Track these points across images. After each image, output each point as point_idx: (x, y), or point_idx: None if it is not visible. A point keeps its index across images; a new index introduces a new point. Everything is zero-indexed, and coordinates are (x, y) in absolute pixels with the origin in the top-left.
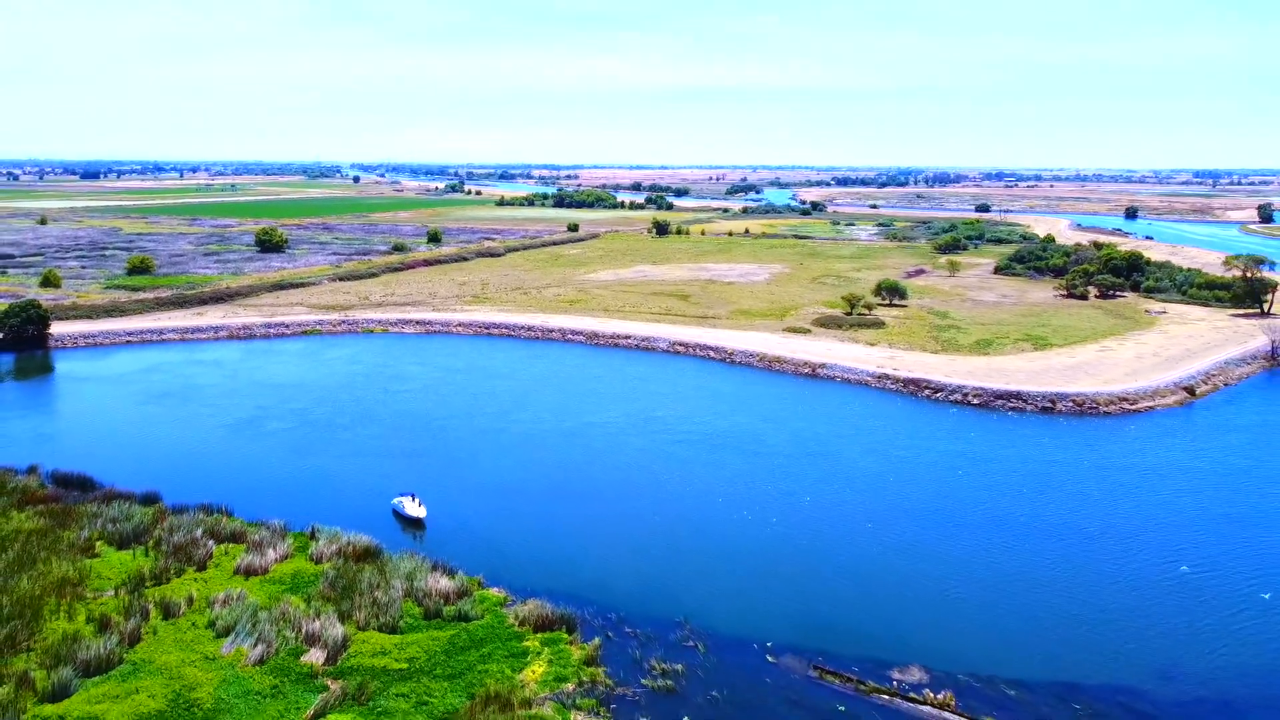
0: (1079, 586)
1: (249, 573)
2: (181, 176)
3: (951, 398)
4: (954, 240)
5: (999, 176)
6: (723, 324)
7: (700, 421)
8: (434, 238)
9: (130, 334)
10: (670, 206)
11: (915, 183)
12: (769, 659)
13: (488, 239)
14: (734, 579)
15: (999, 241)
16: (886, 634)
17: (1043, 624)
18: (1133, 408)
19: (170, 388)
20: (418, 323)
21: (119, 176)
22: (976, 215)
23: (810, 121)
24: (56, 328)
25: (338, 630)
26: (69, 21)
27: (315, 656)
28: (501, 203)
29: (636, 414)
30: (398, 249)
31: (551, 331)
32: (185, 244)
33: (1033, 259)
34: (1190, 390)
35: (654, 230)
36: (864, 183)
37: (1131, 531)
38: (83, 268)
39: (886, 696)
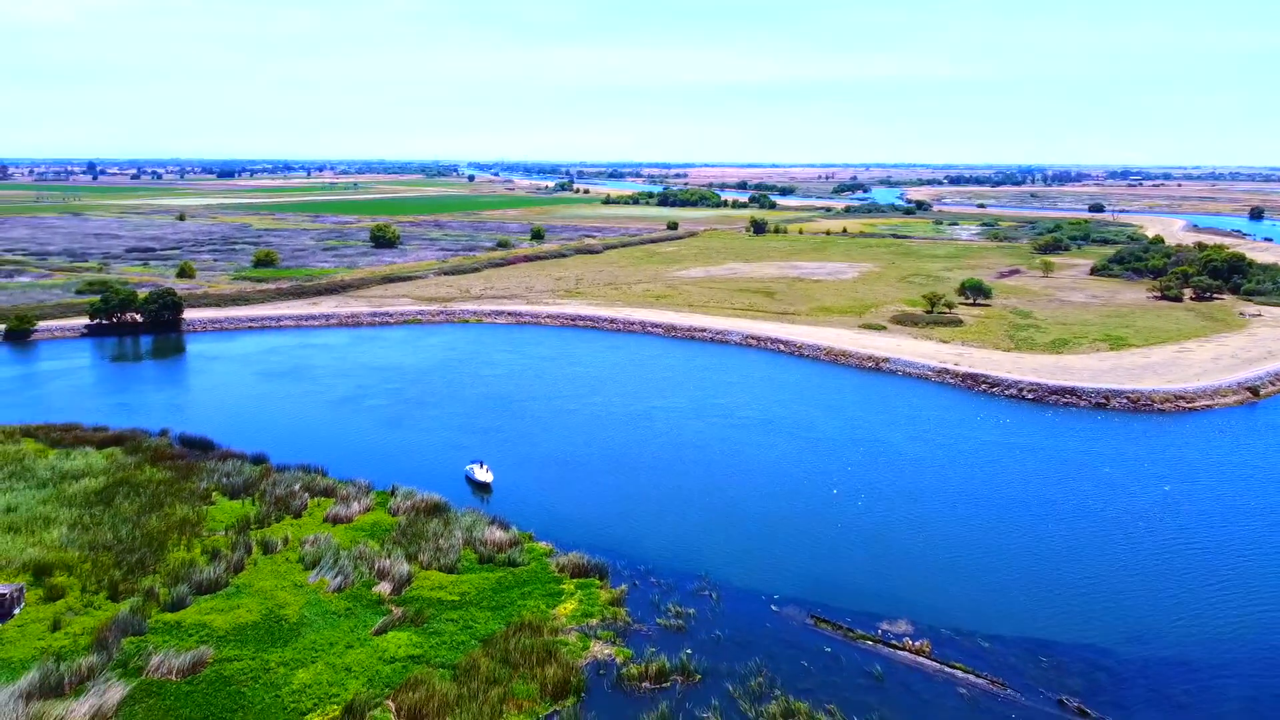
0: (1074, 561)
1: (336, 521)
2: (309, 175)
3: (1007, 392)
4: (1055, 240)
5: (1124, 175)
6: (801, 320)
7: (758, 408)
8: (537, 235)
9: (252, 320)
10: (773, 205)
11: (1034, 181)
12: (773, 608)
13: (588, 236)
14: (756, 542)
15: (1105, 242)
16: (885, 593)
17: (1032, 591)
18: (1189, 406)
19: (285, 367)
20: (510, 314)
21: (252, 175)
22: (1087, 215)
23: (929, 117)
24: (189, 314)
25: (404, 568)
26: (212, 22)
27: (384, 588)
28: (607, 201)
29: (700, 400)
30: (502, 245)
31: (633, 324)
32: (307, 239)
33: (1133, 260)
34: (1254, 391)
35: (751, 229)
36: (979, 181)
37: (1141, 516)
38: (214, 260)
39: (870, 643)
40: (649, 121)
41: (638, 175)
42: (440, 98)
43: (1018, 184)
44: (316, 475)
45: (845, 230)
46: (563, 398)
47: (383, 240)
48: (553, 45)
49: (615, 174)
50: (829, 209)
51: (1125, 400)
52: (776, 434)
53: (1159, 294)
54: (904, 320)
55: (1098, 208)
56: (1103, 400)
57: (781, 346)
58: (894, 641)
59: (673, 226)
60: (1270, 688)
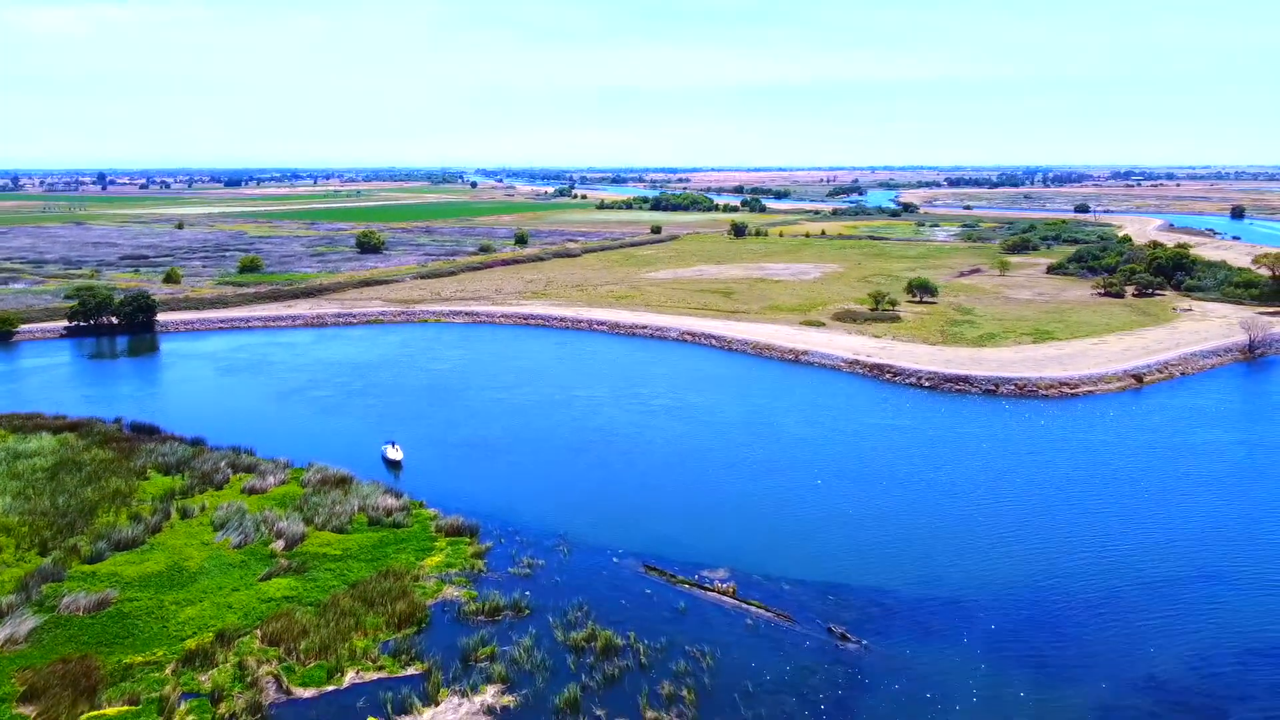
0: (889, 521)
1: (252, 491)
2: (315, 183)
3: (907, 381)
4: (1024, 240)
5: (1126, 175)
6: (748, 318)
7: (673, 396)
8: (521, 240)
9: (224, 321)
10: (763, 209)
11: (1034, 182)
12: (614, 560)
13: (571, 241)
14: (620, 508)
15: (1075, 242)
16: (719, 549)
17: (844, 546)
18: (1072, 392)
19: (246, 363)
20: (468, 314)
21: (259, 184)
22: (1070, 216)
23: (937, 120)
24: (164, 316)
25: (299, 529)
26: (224, 32)
27: (278, 545)
28: (601, 206)
29: (621, 390)
30: (484, 250)
31: (581, 322)
32: (298, 246)
33: (1089, 259)
34: (1138, 378)
35: (732, 232)
36: (977, 183)
37: (968, 484)
38: (203, 266)
39: (687, 586)
40: (654, 126)
41: (640, 180)
42: (447, 104)
43: (1017, 185)
44: (244, 454)
45: (824, 232)
46: (494, 388)
47: (368, 246)
48: (559, 49)
49: (618, 179)
50: (817, 212)
51: (1013, 387)
52: (679, 419)
53: (1102, 290)
54: (844, 317)
55: (1083, 208)
56: (992, 388)
57: (714, 342)
58: (706, 584)
59: (656, 230)
60: (1013, 617)
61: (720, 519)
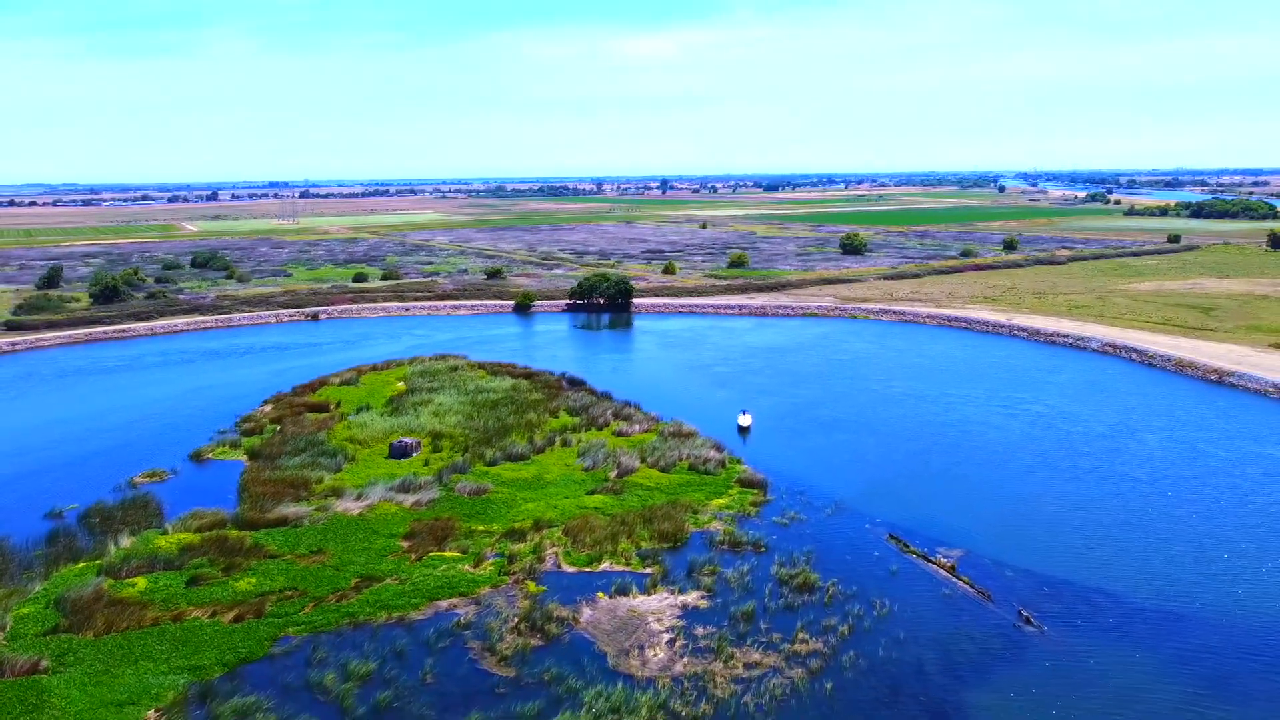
0: (1177, 537)
1: (619, 434)
2: (846, 188)
3: None
4: None
5: None
6: (1210, 336)
7: (1048, 404)
8: (1009, 245)
9: (682, 306)
10: None
11: None
12: (866, 526)
13: (1065, 248)
14: (902, 488)
15: None
16: (972, 533)
17: (1104, 551)
18: None
19: (685, 341)
20: (894, 313)
21: (794, 189)
22: None
23: None
24: (638, 299)
25: (634, 464)
26: (782, 44)
27: (613, 473)
28: (1129, 212)
29: (998, 393)
30: (964, 254)
31: (1002, 327)
32: (791, 246)
33: None
34: None
35: (1269, 244)
36: None
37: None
38: (701, 261)
39: (914, 555)
40: (1227, 123)
41: (1203, 184)
42: (991, 107)
43: None
44: (629, 407)
45: None
46: (872, 378)
47: (850, 248)
48: (1121, 43)
49: (1174, 183)
50: None
51: None
52: (1036, 424)
53: None
54: None
55: None
56: None
57: (1135, 355)
58: (931, 556)
59: (1174, 240)
60: (1234, 644)
61: (995, 512)
